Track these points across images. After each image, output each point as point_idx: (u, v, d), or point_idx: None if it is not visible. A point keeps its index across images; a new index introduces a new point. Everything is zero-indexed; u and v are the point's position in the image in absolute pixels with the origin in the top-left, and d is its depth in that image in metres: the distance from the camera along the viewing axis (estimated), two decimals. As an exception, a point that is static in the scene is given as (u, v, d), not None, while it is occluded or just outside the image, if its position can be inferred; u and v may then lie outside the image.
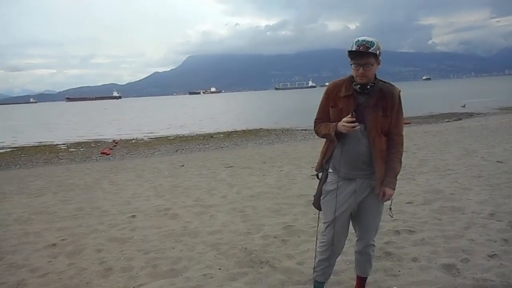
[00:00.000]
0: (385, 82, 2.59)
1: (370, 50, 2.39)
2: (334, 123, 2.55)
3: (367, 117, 2.52)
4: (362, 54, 2.40)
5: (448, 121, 20.09)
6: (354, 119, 2.43)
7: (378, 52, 2.43)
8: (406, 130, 12.06)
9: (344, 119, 2.46)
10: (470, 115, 23.01)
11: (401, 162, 2.65)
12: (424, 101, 40.34)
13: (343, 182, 2.62)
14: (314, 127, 2.76)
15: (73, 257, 4.14)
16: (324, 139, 2.75)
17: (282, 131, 19.79)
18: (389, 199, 2.66)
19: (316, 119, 2.76)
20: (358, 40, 2.42)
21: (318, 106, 2.75)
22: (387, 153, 2.59)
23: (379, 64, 2.50)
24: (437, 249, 3.75)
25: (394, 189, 2.63)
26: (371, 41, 2.40)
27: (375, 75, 2.56)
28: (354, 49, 2.40)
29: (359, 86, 2.50)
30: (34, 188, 8.01)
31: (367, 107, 2.52)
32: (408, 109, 28.23)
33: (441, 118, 22.38)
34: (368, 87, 2.51)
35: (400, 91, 2.60)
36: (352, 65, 2.48)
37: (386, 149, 2.59)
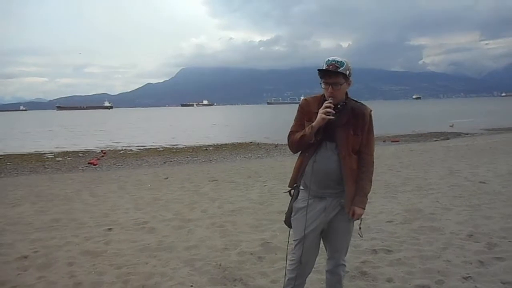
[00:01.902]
0: (356, 101, 2.60)
1: (339, 70, 2.40)
2: (309, 125, 2.52)
3: (338, 136, 2.51)
4: (331, 73, 2.41)
5: (436, 140, 20.26)
6: (332, 104, 2.43)
7: (348, 72, 2.44)
8: (394, 148, 12.17)
9: (322, 110, 2.43)
10: (458, 134, 23.27)
11: (371, 181, 2.63)
12: (413, 120, 40.80)
13: (313, 200, 2.60)
14: (288, 139, 2.70)
15: (43, 270, 4.03)
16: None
17: (276, 146, 19.64)
18: (358, 219, 2.63)
19: (290, 132, 2.71)
20: (329, 60, 2.44)
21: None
22: (358, 173, 2.58)
23: (349, 84, 2.52)
24: (413, 269, 3.71)
25: (364, 209, 2.60)
26: (341, 61, 2.42)
27: (346, 94, 2.57)
28: (324, 68, 2.41)
29: (330, 104, 2.50)
30: (13, 197, 7.83)
31: (338, 125, 2.51)
32: (398, 127, 28.65)
33: (429, 137, 22.58)
34: (339, 106, 2.52)
35: (371, 110, 2.60)
36: (322, 84, 2.48)
37: (357, 168, 2.58)
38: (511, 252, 3.99)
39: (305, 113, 2.64)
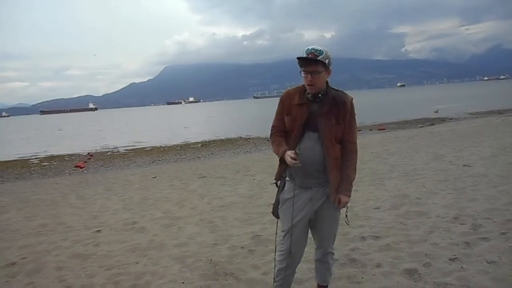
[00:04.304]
0: (337, 90, 2.62)
1: (318, 58, 2.41)
2: (283, 148, 2.58)
3: (321, 125, 2.53)
4: (311, 61, 2.43)
5: (422, 126, 20.47)
6: (296, 157, 2.46)
7: (327, 61, 2.46)
8: (380, 136, 12.29)
9: (289, 153, 2.49)
10: (442, 120, 23.56)
11: (355, 169, 2.66)
12: (399, 108, 41.20)
13: (299, 191, 2.61)
14: (271, 136, 2.77)
15: (32, 276, 3.98)
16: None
17: (266, 139, 19.61)
18: (344, 207, 2.66)
19: (272, 126, 2.77)
20: (308, 49, 2.45)
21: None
22: (342, 161, 2.60)
23: (329, 74, 2.53)
24: (401, 254, 3.77)
25: (349, 196, 2.63)
26: (320, 50, 2.44)
27: (327, 83, 2.58)
28: (304, 56, 2.43)
29: (311, 95, 2.53)
30: (-2, 205, 7.72)
31: (320, 115, 2.53)
32: (384, 116, 28.89)
33: (414, 123, 22.82)
34: (320, 95, 2.53)
35: (352, 98, 2.62)
36: (302, 73, 2.50)
37: (341, 157, 2.60)
38: (495, 232, 4.08)
39: (285, 107, 2.66)
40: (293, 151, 2.47)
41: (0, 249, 4.86)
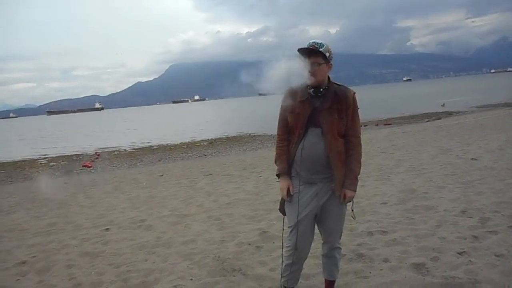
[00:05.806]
0: (339, 85, 2.62)
1: (319, 50, 2.45)
2: (283, 168, 2.70)
3: (323, 121, 2.54)
4: (311, 51, 2.46)
5: (428, 121, 20.32)
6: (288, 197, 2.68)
7: (328, 54, 2.48)
8: (386, 132, 12.21)
9: (285, 192, 2.66)
10: (449, 114, 23.36)
11: (360, 163, 2.65)
12: (405, 102, 40.94)
13: (304, 186, 2.62)
14: (276, 140, 2.81)
15: (42, 274, 4.04)
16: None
17: (272, 136, 19.62)
18: (350, 201, 2.66)
19: (278, 126, 2.79)
20: (309, 42, 2.50)
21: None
22: (346, 156, 2.60)
23: (330, 68, 2.55)
24: (408, 248, 3.76)
25: (355, 191, 2.63)
26: (321, 43, 2.49)
27: (329, 78, 2.58)
28: (304, 47, 2.47)
29: (313, 89, 2.54)
30: (7, 205, 7.81)
31: (322, 110, 2.55)
32: (390, 111, 28.74)
33: (421, 118, 22.65)
34: (322, 90, 2.54)
35: (354, 93, 2.62)
36: None
37: (345, 151, 2.60)
38: (503, 226, 4.06)
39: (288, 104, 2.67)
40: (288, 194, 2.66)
41: (11, 248, 4.92)
